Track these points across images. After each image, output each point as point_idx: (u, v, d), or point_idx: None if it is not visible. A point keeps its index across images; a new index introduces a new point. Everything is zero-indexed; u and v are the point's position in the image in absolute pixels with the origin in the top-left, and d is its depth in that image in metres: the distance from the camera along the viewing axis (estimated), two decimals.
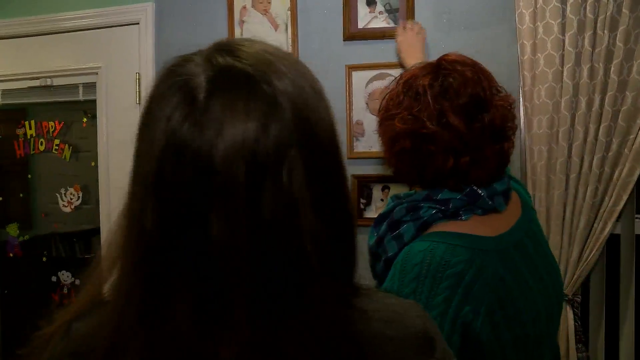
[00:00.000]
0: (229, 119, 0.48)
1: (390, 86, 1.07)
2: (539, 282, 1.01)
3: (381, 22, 1.84)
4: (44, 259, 2.36)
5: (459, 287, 0.89)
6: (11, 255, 2.40)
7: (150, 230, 0.49)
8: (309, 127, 0.52)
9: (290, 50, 1.92)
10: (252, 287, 0.48)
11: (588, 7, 1.61)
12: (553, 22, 1.64)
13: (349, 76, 1.87)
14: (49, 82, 2.26)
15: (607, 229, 1.65)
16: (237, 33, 1.99)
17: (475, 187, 0.98)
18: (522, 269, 0.98)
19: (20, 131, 2.35)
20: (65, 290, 2.32)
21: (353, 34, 1.86)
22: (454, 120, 0.94)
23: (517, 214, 1.05)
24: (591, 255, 1.66)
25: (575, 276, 1.68)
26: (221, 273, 0.48)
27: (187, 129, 0.48)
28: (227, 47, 0.55)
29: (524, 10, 1.68)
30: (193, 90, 0.50)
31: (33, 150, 2.35)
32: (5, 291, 2.42)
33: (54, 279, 2.34)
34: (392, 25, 1.83)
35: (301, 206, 0.49)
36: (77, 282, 2.32)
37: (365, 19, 1.86)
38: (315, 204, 0.50)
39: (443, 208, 0.97)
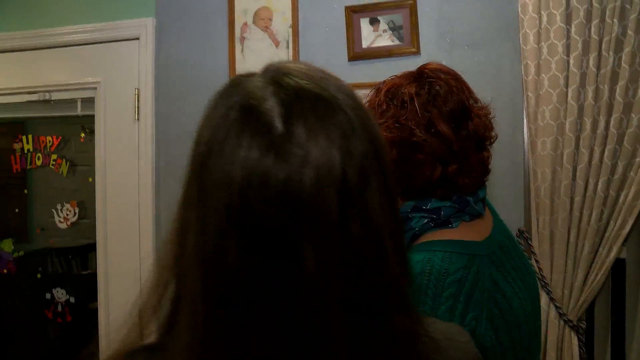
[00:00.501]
0: (313, 145, 0.45)
1: (369, 96, 1.05)
2: (524, 282, 1.01)
3: (385, 40, 1.82)
4: (39, 275, 2.32)
5: (460, 295, 0.88)
6: (5, 271, 2.36)
7: (235, 268, 0.46)
8: (377, 149, 0.51)
9: None
10: (349, 318, 0.46)
11: (593, 28, 1.59)
12: (557, 42, 1.62)
13: None
14: (47, 96, 2.24)
15: (613, 254, 1.62)
16: (238, 49, 1.98)
17: (462, 195, 0.97)
18: (509, 270, 0.98)
19: (17, 145, 2.33)
20: (59, 308, 2.28)
21: (358, 54, 1.85)
22: (443, 128, 0.93)
23: (490, 218, 1.05)
24: (596, 280, 1.63)
25: (580, 301, 1.64)
26: (316, 306, 0.45)
27: (270, 159, 0.45)
28: (284, 69, 0.52)
29: (528, 31, 1.66)
30: (265, 116, 0.47)
31: (30, 164, 2.32)
32: None
33: (48, 296, 2.30)
34: (396, 43, 1.81)
35: (383, 231, 0.48)
36: (72, 299, 2.28)
37: (369, 38, 1.84)
38: (390, 228, 0.50)
39: (435, 217, 0.96)
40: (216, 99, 0.53)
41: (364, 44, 1.85)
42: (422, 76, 0.99)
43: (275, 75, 0.51)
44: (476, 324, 0.88)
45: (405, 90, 0.97)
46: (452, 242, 0.93)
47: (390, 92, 1.00)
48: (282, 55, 1.93)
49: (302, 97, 0.49)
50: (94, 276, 2.22)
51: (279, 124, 0.46)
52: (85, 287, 2.29)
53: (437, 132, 0.93)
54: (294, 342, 0.46)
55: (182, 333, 0.49)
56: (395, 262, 0.50)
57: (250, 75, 0.53)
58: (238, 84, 0.52)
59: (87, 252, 2.36)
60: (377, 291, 0.48)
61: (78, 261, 2.39)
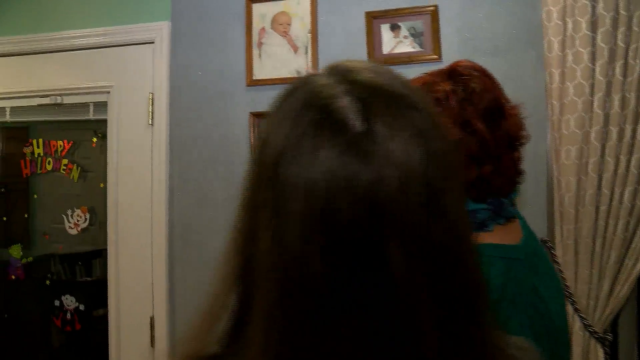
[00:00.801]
0: (395, 144, 0.44)
1: None
2: (556, 286, 1.00)
3: (406, 46, 1.80)
4: (48, 282, 2.28)
5: (503, 301, 0.86)
6: (13, 277, 2.31)
7: (319, 275, 0.44)
8: (450, 148, 0.49)
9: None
10: (437, 324, 0.44)
11: (619, 36, 1.57)
12: (583, 50, 1.60)
13: None
14: (58, 100, 2.21)
15: (639, 265, 1.60)
16: (255, 54, 1.95)
17: (496, 197, 0.95)
18: (544, 274, 0.97)
19: (27, 150, 2.29)
20: (68, 316, 2.23)
21: (379, 60, 1.82)
22: (480, 126, 0.91)
23: (518, 221, 1.03)
24: (622, 291, 1.60)
25: (606, 313, 1.62)
26: (405, 312, 0.44)
27: (353, 160, 0.43)
28: (350, 67, 0.50)
29: (552, 38, 1.64)
30: (342, 115, 0.45)
31: (40, 169, 2.28)
32: (5, 315, 2.33)
33: (57, 303, 2.25)
34: (418, 49, 1.79)
35: (461, 232, 0.47)
36: (82, 307, 2.24)
37: (390, 44, 1.82)
38: (466, 229, 0.49)
39: (472, 220, 0.93)
40: (282, 101, 0.51)
41: (385, 50, 1.83)
42: (455, 73, 0.97)
43: (343, 73, 0.50)
44: (519, 330, 0.85)
45: (440, 87, 0.95)
46: (491, 246, 0.91)
47: (422, 89, 0.97)
48: (300, 61, 1.90)
49: (377, 94, 0.47)
50: (100, 283, 2.18)
51: (357, 123, 0.44)
52: (93, 294, 2.25)
53: (473, 130, 0.91)
54: (382, 350, 0.44)
55: (255, 343, 0.46)
56: (473, 264, 0.49)
57: (314, 75, 0.52)
58: (305, 83, 0.51)
59: (92, 258, 2.32)
60: (461, 296, 0.46)
61: (83, 268, 2.35)
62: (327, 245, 0.44)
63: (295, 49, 1.92)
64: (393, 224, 0.43)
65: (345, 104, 0.46)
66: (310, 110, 0.47)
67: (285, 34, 1.93)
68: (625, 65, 1.58)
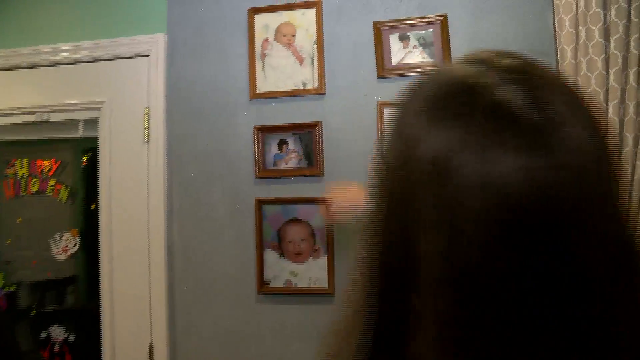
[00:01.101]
0: (573, 132, 0.41)
1: None
2: None
3: (416, 56, 1.77)
4: (33, 312, 2.12)
5: None
6: None
7: (506, 277, 0.40)
8: (609, 133, 0.47)
9: (317, 85, 1.83)
10: (626, 321, 0.41)
11: (632, 43, 1.58)
12: (597, 57, 1.60)
13: (381, 113, 1.78)
14: (45, 117, 2.08)
15: None
16: (259, 67, 1.89)
17: None
18: None
19: (10, 170, 2.14)
20: (56, 348, 2.08)
21: (388, 71, 1.78)
22: None
23: None
24: None
25: None
26: (594, 310, 0.40)
27: (532, 152, 0.40)
28: (484, 54, 0.47)
29: (565, 46, 1.64)
30: (507, 104, 0.41)
31: (25, 191, 2.14)
32: None
33: (44, 335, 2.09)
34: (428, 59, 1.76)
35: (630, 228, 0.43)
36: (72, 337, 2.09)
37: (399, 54, 1.78)
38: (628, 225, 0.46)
39: None
40: (419, 96, 0.47)
41: (394, 61, 1.79)
42: None
43: (483, 61, 0.46)
44: None
45: None
46: None
47: None
48: (306, 72, 1.85)
49: (539, 81, 0.44)
50: (91, 311, 2.04)
51: (531, 113, 0.41)
52: (84, 323, 2.11)
53: None
54: (572, 351, 0.41)
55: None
56: None
57: (446, 67, 0.48)
58: (443, 75, 0.47)
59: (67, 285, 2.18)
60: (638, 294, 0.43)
61: (71, 296, 2.20)
62: (511, 244, 0.40)
63: (301, 60, 1.86)
64: (577, 215, 0.40)
65: (511, 92, 0.42)
66: (469, 102, 0.43)
67: (289, 45, 1.87)
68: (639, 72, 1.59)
